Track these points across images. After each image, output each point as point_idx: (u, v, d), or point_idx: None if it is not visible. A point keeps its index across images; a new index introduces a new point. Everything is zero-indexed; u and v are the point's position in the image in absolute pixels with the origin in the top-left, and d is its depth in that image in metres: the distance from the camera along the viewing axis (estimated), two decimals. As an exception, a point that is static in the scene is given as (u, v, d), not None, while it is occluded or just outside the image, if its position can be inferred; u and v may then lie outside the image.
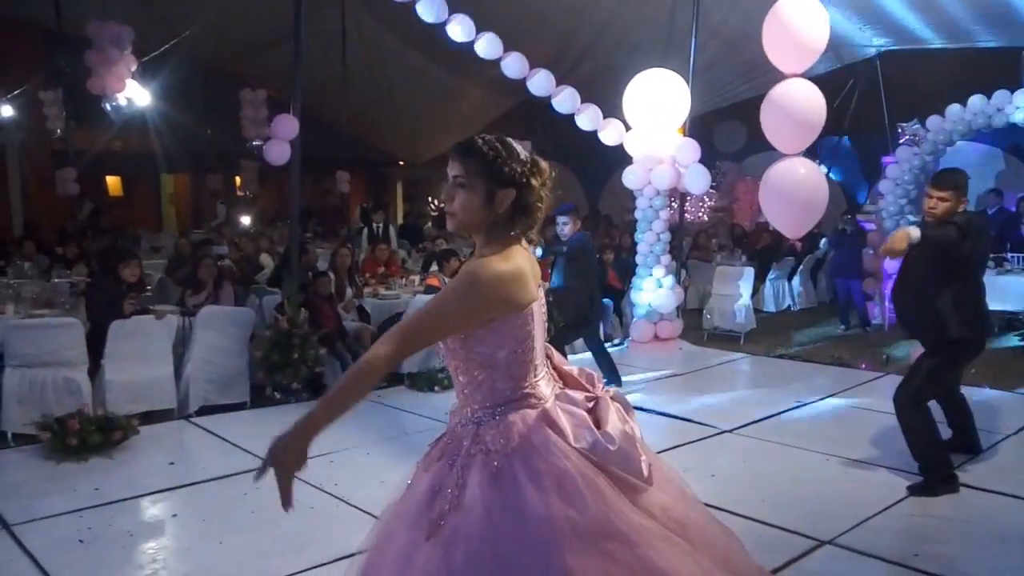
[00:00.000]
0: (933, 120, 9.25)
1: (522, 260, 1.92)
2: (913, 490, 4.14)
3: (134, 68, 9.74)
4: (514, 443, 1.86)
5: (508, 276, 1.86)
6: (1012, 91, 8.56)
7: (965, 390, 4.76)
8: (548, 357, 2.08)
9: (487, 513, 1.79)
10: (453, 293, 1.88)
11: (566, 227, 6.24)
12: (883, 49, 10.53)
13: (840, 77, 10.39)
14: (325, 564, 3.36)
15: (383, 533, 1.97)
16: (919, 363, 4.30)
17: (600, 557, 1.73)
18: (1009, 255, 8.79)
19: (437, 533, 1.81)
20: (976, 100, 8.86)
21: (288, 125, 6.30)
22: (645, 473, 1.91)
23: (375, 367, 1.82)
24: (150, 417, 5.49)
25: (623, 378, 6.57)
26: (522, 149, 1.97)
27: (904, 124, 9.64)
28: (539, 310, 1.97)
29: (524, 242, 1.98)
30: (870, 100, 10.76)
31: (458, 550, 1.77)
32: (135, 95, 10.34)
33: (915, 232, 3.93)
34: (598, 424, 1.94)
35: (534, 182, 1.94)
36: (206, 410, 5.78)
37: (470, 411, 1.97)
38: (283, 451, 1.81)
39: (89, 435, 4.71)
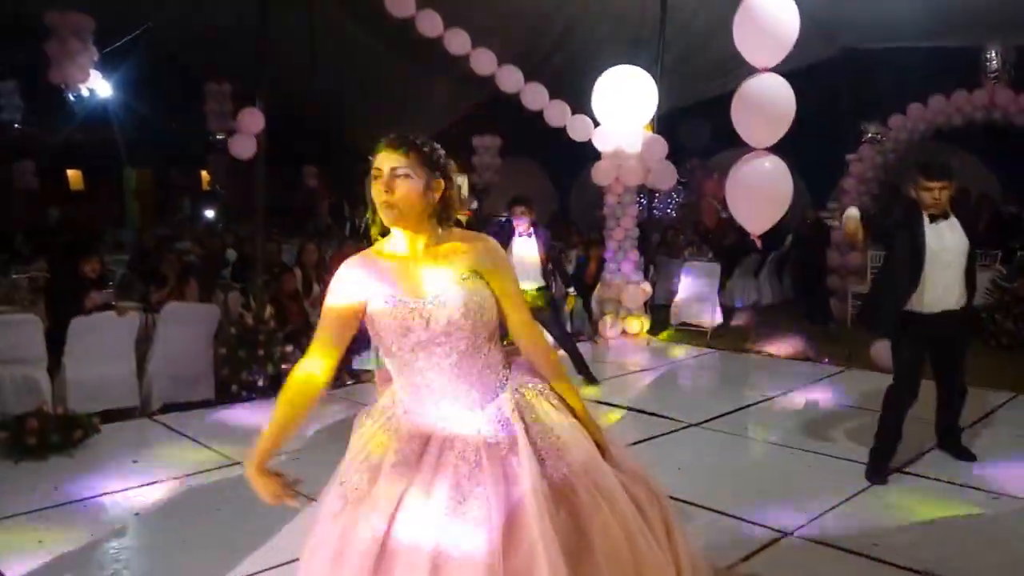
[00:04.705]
0: (895, 119, 9.42)
1: None
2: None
3: (96, 59, 9.55)
4: (539, 383, 2.15)
5: None
6: (970, 90, 8.77)
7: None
8: None
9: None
10: (508, 262, 2.18)
11: (522, 217, 6.27)
12: (845, 48, 10.71)
13: (803, 75, 10.53)
14: (290, 562, 3.33)
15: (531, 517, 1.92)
16: (961, 348, 4.46)
17: None
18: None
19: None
20: (936, 100, 9.06)
21: (253, 119, 6.23)
22: None
23: (557, 359, 2.20)
24: (112, 415, 5.39)
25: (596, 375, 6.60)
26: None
27: (866, 122, 9.82)
28: None
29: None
30: (833, 98, 10.93)
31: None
32: (97, 87, 10.14)
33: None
34: None
35: (454, 176, 2.10)
36: (169, 408, 5.70)
37: (495, 383, 2.09)
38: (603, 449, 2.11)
39: (49, 434, 4.61)
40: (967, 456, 4.56)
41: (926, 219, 4.24)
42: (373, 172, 2.02)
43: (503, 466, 1.96)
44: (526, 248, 6.25)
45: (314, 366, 2.08)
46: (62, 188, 15.33)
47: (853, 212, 4.49)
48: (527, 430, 2.02)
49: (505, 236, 6.27)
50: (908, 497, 4.10)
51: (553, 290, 6.61)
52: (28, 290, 6.51)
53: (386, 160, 1.99)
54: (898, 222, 4.36)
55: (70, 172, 16.06)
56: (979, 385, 6.12)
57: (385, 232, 2.10)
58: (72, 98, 10.04)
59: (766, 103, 6.91)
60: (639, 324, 8.62)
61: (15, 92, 11.45)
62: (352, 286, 2.07)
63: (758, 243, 8.06)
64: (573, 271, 8.95)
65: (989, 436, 5.06)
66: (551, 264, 6.53)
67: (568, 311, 7.76)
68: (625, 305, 8.56)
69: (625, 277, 8.58)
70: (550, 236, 6.95)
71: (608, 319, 8.54)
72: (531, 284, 6.13)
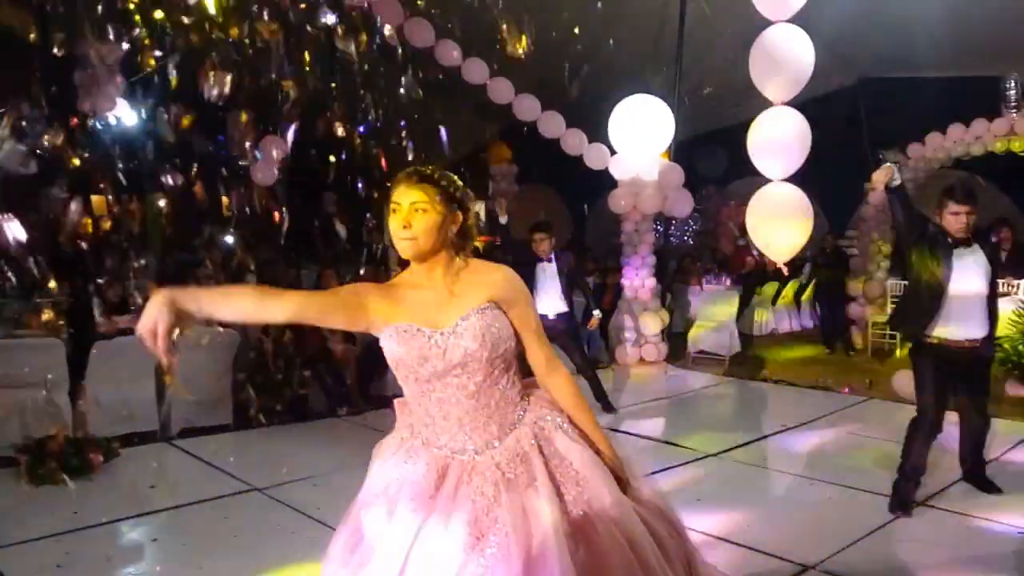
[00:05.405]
0: (914, 148, 9.40)
1: None
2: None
3: (123, 87, 9.73)
4: (558, 416, 2.12)
5: None
6: (990, 120, 8.74)
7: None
8: None
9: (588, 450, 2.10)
10: (527, 293, 2.16)
11: (543, 243, 6.24)
12: (863, 77, 10.73)
13: (821, 103, 10.57)
14: (307, 589, 3.33)
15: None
16: (983, 378, 4.38)
17: None
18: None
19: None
20: (956, 129, 9.03)
21: (276, 147, 6.32)
22: None
23: (578, 391, 2.19)
24: (131, 439, 5.43)
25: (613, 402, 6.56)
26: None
27: (884, 151, 9.80)
28: None
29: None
30: (850, 127, 10.94)
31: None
32: (123, 114, 10.32)
33: None
34: None
35: (471, 206, 2.11)
36: (188, 432, 5.72)
37: (514, 416, 2.07)
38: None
39: (69, 457, 4.65)
40: (993, 489, 4.48)
41: (950, 244, 4.19)
42: (391, 206, 2.01)
43: (522, 501, 1.93)
44: (548, 273, 6.26)
45: (287, 305, 1.94)
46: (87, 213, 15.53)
47: (892, 167, 4.26)
48: (546, 464, 2.00)
49: (528, 263, 6.27)
50: (933, 530, 4.03)
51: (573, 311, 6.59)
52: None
53: (404, 195, 1.99)
54: (922, 234, 4.25)
55: (94, 198, 16.29)
56: (1003, 416, 6.05)
57: (403, 263, 2.10)
58: (100, 126, 10.22)
59: (781, 136, 6.94)
60: (656, 352, 8.59)
61: (41, 119, 11.65)
62: (369, 298, 2.02)
63: (786, 271, 8.07)
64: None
65: (1015, 469, 4.97)
66: (574, 285, 6.50)
67: (591, 328, 7.70)
68: (642, 332, 8.54)
69: (642, 304, 8.56)
70: (572, 259, 6.97)
71: (625, 346, 8.51)
72: (553, 309, 6.14)
